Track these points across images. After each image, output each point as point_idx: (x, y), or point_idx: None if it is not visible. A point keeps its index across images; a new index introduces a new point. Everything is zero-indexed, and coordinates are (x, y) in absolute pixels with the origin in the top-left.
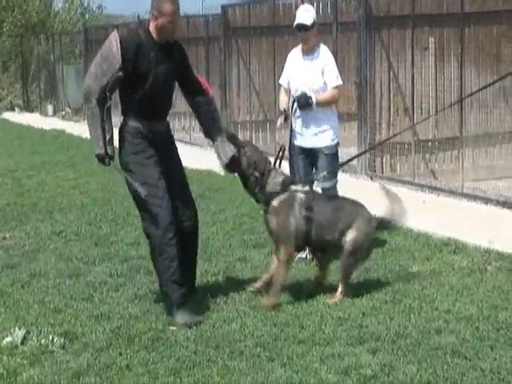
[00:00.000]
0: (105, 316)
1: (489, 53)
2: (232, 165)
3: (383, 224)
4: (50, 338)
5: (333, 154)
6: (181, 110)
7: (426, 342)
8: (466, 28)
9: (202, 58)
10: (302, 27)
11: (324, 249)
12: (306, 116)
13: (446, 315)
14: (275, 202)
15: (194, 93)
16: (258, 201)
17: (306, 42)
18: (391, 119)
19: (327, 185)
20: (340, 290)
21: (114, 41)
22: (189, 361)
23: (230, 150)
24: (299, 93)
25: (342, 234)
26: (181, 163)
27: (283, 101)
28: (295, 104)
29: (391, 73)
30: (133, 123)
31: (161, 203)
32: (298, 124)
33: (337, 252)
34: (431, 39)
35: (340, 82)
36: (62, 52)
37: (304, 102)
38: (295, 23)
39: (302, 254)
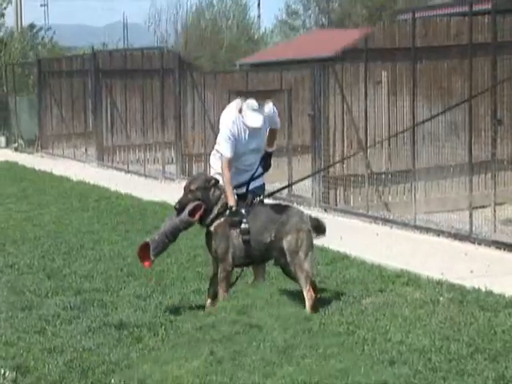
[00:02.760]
0: (58, 349)
1: (440, 86)
2: None
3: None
4: (2, 371)
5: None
6: (136, 143)
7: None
8: (418, 62)
9: (157, 90)
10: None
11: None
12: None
13: (399, 346)
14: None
15: None
16: None
17: None
18: (345, 151)
19: None
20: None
21: None
22: None
23: None
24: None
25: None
26: None
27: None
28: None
29: (345, 106)
30: None
31: None
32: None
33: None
34: (384, 73)
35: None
36: (14, 83)
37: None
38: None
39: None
